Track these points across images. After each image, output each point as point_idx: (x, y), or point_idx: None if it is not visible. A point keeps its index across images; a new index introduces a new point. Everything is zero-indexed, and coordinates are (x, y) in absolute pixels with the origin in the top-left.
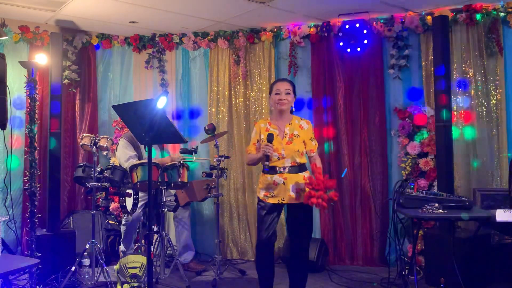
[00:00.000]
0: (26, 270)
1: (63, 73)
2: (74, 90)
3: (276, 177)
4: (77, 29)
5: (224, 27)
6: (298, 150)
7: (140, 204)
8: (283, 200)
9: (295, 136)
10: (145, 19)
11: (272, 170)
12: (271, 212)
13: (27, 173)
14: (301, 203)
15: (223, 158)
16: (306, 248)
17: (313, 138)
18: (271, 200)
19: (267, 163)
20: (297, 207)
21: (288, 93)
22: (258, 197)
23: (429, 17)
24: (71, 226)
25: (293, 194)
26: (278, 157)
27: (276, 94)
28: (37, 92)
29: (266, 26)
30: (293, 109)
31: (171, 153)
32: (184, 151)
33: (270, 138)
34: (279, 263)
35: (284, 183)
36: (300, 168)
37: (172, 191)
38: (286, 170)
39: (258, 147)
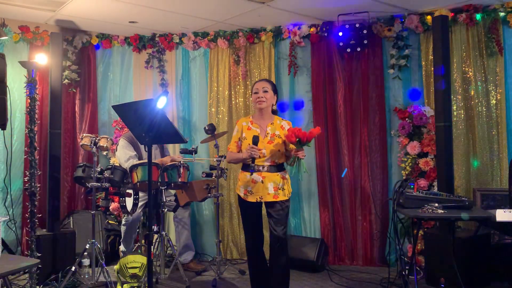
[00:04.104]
0: (26, 270)
1: (63, 73)
2: (74, 90)
3: (254, 175)
4: (77, 29)
5: (224, 27)
6: (279, 150)
7: (140, 204)
8: (261, 199)
9: (276, 136)
10: (145, 19)
11: (251, 168)
12: (252, 210)
13: (27, 173)
14: (278, 201)
15: (223, 158)
16: (283, 245)
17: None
18: (250, 199)
19: (253, 164)
20: (275, 205)
21: (265, 91)
22: (238, 195)
23: (429, 17)
24: (71, 226)
25: (271, 193)
26: (259, 155)
27: (255, 93)
28: (37, 92)
29: (266, 26)
30: (274, 107)
31: (171, 153)
32: (184, 151)
33: (255, 140)
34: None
35: (262, 181)
36: (278, 167)
37: (172, 191)
38: (265, 169)
39: (239, 145)
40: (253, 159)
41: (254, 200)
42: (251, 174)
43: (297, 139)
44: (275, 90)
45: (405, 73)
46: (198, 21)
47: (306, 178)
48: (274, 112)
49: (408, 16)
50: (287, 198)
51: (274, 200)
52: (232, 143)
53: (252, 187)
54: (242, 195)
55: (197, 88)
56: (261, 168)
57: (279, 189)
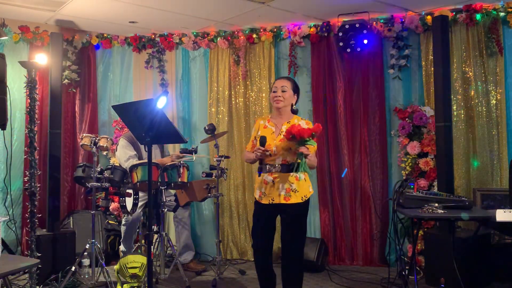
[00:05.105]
0: (26, 270)
1: (63, 73)
2: (74, 90)
3: (266, 176)
4: (77, 29)
5: (224, 27)
6: (290, 149)
7: (140, 204)
8: (273, 201)
9: None
10: (145, 19)
11: (263, 168)
12: (264, 213)
13: (27, 173)
14: (291, 204)
15: (223, 158)
16: (297, 251)
17: (311, 139)
18: (264, 201)
19: (260, 165)
20: (288, 208)
21: (284, 91)
22: (255, 198)
23: (429, 17)
24: (71, 226)
25: (282, 194)
26: (270, 154)
27: (273, 92)
28: (37, 92)
29: (266, 26)
30: (294, 106)
31: (171, 153)
32: (184, 151)
33: (262, 141)
34: (279, 263)
35: (273, 182)
36: (292, 168)
37: (172, 191)
38: (277, 168)
39: (255, 144)
40: (261, 161)
41: (267, 202)
42: (259, 175)
43: (291, 136)
44: (296, 89)
45: (405, 73)
46: (198, 21)
47: None
48: (294, 112)
49: (408, 16)
50: (302, 201)
51: (285, 202)
52: (250, 142)
53: (265, 188)
54: (257, 197)
55: (197, 88)
56: (272, 168)
57: (292, 191)
